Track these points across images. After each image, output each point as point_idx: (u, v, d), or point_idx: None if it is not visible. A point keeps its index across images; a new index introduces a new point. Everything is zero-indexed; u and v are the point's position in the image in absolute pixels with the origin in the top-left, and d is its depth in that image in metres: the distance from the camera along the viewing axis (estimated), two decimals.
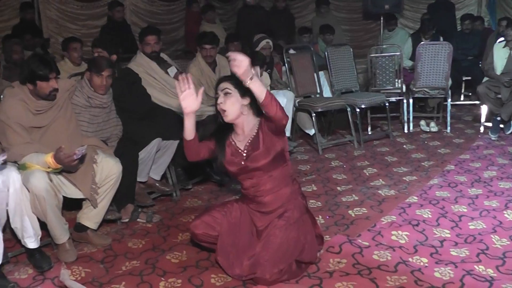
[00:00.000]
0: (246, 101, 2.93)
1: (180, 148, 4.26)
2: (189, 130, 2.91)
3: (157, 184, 4.28)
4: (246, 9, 8.32)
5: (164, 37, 8.09)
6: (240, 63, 2.63)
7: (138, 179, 4.01)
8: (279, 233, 2.94)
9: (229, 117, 2.94)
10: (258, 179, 2.99)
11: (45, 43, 6.78)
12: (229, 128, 3.06)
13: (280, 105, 2.75)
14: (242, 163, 2.98)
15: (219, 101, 2.93)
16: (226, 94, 2.91)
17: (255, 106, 2.96)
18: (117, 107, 3.92)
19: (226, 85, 2.92)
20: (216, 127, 3.10)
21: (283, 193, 3.01)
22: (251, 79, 2.65)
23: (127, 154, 3.76)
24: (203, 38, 4.87)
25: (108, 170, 3.46)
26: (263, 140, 2.94)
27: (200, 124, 4.36)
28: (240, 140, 3.04)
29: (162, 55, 4.69)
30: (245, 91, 2.87)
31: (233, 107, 2.91)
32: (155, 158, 4.14)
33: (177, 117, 4.31)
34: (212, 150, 3.07)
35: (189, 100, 2.81)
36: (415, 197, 4.19)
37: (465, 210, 3.91)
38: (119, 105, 3.94)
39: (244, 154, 3.00)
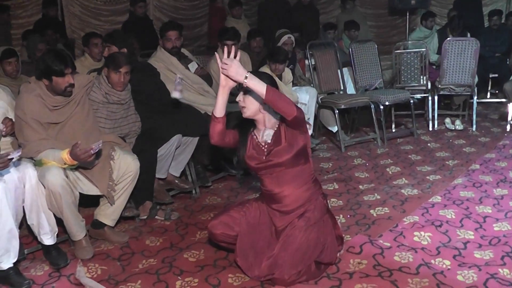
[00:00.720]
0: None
1: (200, 145, 4.25)
2: (221, 106, 2.84)
3: (176, 181, 4.25)
4: (268, 3, 8.23)
5: (188, 33, 8.11)
6: (229, 67, 2.60)
7: (157, 176, 3.99)
8: (299, 234, 2.88)
9: (247, 113, 2.90)
10: (278, 175, 2.93)
11: (70, 43, 6.81)
12: (251, 122, 3.01)
13: (286, 99, 2.67)
14: (264, 158, 2.93)
15: (238, 98, 2.90)
16: (245, 92, 2.86)
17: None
18: (134, 101, 3.88)
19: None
20: (239, 121, 3.06)
21: (303, 192, 2.95)
22: (246, 78, 2.60)
23: (146, 150, 3.74)
24: (225, 34, 4.84)
25: (125, 167, 3.43)
26: (285, 135, 2.89)
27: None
28: (262, 134, 2.99)
29: (183, 50, 4.66)
30: None
31: (251, 105, 2.87)
32: (175, 155, 4.10)
33: (197, 114, 4.29)
34: (237, 140, 3.03)
35: (232, 71, 2.63)
36: (439, 197, 4.09)
37: (490, 211, 3.80)
38: (136, 98, 3.90)
39: (265, 150, 2.95)
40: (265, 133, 2.96)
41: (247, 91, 2.83)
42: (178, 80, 3.54)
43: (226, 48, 2.73)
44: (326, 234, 2.99)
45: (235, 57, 2.68)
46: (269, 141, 2.94)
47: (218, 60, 2.69)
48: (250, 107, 2.88)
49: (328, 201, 3.19)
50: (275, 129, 2.94)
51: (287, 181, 2.94)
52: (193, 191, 4.35)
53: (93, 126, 3.49)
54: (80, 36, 7.31)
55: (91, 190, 3.37)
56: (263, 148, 2.96)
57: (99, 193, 3.38)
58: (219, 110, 2.85)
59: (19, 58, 4.52)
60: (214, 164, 4.71)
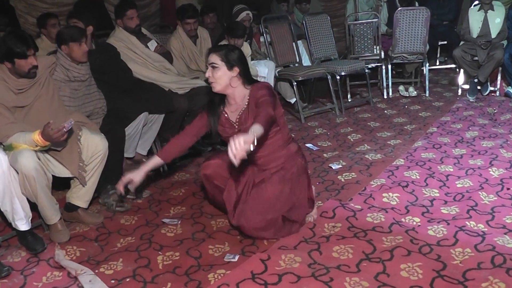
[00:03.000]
0: (235, 72, 2.91)
1: (165, 122, 4.25)
2: (159, 164, 3.18)
3: (144, 160, 4.23)
4: None
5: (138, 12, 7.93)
6: (240, 152, 2.32)
7: (125, 155, 3.98)
8: (270, 188, 2.98)
9: (217, 88, 2.93)
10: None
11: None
12: (222, 97, 3.04)
13: (263, 118, 2.62)
14: (236, 130, 2.98)
15: (207, 74, 2.93)
16: (213, 67, 2.89)
17: (245, 76, 2.94)
18: (97, 81, 3.81)
19: (213, 58, 2.90)
20: (209, 96, 3.08)
21: (279, 157, 3.04)
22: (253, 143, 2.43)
23: (114, 130, 3.70)
24: (185, 13, 4.79)
25: (94, 147, 3.40)
26: (252, 111, 2.92)
27: (186, 97, 4.39)
28: (233, 111, 3.03)
29: (142, 29, 4.61)
30: (232, 63, 2.87)
31: (220, 80, 2.90)
32: (141, 133, 4.08)
33: (162, 91, 4.28)
34: (206, 125, 3.08)
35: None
36: (402, 160, 4.24)
37: (452, 170, 3.97)
38: (99, 78, 3.84)
39: (236, 127, 3.00)
40: (232, 114, 3.03)
41: (215, 66, 2.87)
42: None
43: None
44: (299, 192, 3.10)
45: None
46: (236, 121, 3.00)
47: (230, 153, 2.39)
48: (219, 82, 2.91)
49: (306, 162, 3.24)
50: (245, 105, 2.96)
51: (261, 151, 3.00)
52: (161, 169, 4.34)
53: (59, 106, 3.43)
54: (27, 20, 7.10)
55: (63, 172, 3.32)
56: (234, 124, 3.01)
57: (70, 175, 3.35)
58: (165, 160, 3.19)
59: None
60: None
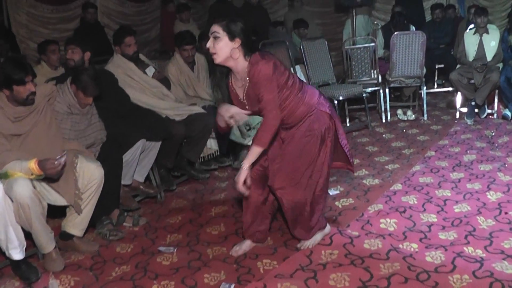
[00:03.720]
0: (237, 43, 2.86)
1: (162, 149, 4.25)
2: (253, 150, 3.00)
3: (141, 187, 4.24)
4: (217, 5, 8.25)
5: (137, 38, 8.00)
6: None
7: (123, 182, 3.97)
8: (290, 146, 3.07)
9: (217, 59, 2.89)
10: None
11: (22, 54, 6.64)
12: (228, 71, 3.03)
13: (267, 130, 2.86)
14: (247, 107, 3.00)
15: (208, 44, 2.89)
16: (215, 38, 2.85)
17: (245, 46, 2.89)
18: (97, 108, 3.84)
19: (215, 28, 2.86)
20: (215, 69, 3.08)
21: (298, 113, 3.02)
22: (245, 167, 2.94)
23: (111, 157, 3.71)
24: (183, 39, 4.82)
25: (89, 175, 3.39)
26: (254, 90, 2.90)
27: (183, 123, 4.40)
28: (239, 86, 3.01)
29: (140, 55, 4.64)
30: (234, 34, 2.84)
31: (221, 50, 2.85)
32: (139, 160, 4.08)
33: (159, 118, 4.29)
34: None
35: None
36: (400, 185, 4.22)
37: (449, 194, 3.96)
38: (98, 105, 3.86)
39: (245, 101, 3.00)
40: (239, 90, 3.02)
41: (216, 36, 2.84)
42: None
43: None
44: (320, 154, 3.08)
45: None
46: (244, 98, 2.99)
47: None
48: (220, 53, 2.86)
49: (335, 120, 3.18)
50: (247, 83, 2.93)
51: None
52: (159, 196, 4.34)
53: (56, 134, 3.44)
54: (29, 46, 7.17)
55: (58, 200, 3.32)
56: (243, 101, 3.01)
57: (66, 203, 3.34)
58: None
59: None
60: (178, 167, 4.71)
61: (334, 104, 5.87)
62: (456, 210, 3.67)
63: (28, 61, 3.58)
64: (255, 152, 2.91)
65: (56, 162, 2.95)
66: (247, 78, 2.91)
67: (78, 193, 3.33)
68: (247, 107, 3.00)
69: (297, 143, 3.04)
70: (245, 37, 2.87)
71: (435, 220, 3.54)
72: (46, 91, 3.45)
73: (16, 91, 3.17)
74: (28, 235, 3.15)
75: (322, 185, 3.16)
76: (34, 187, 3.09)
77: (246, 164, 2.93)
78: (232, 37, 2.84)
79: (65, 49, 4.21)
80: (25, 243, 3.15)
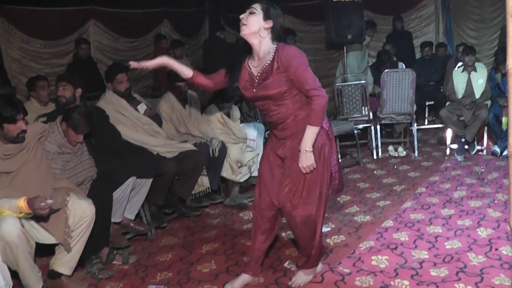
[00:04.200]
0: (268, 24, 2.93)
1: (153, 186, 4.24)
2: (180, 70, 3.09)
3: (131, 224, 4.20)
4: (211, 41, 8.33)
5: (129, 74, 8.04)
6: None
7: (113, 220, 3.93)
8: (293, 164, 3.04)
9: (245, 31, 2.94)
10: (269, 106, 3.01)
11: (12, 89, 6.67)
12: (248, 51, 3.05)
13: (319, 115, 2.88)
14: (254, 90, 2.99)
15: (242, 15, 2.95)
16: (251, 12, 2.93)
17: (275, 32, 2.95)
18: (87, 145, 3.85)
19: (255, 4, 2.95)
20: (234, 52, 3.12)
21: (299, 118, 3.00)
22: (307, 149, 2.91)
23: (101, 195, 3.69)
24: (176, 76, 4.84)
25: (81, 212, 3.37)
26: (277, 70, 2.91)
27: (174, 161, 4.40)
28: (255, 66, 3.02)
29: (132, 92, 4.66)
30: (269, 15, 2.91)
31: (252, 24, 2.92)
32: (129, 197, 4.07)
33: (150, 155, 4.29)
34: (224, 80, 3.16)
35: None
36: (391, 221, 4.23)
37: (440, 231, 3.97)
38: (89, 141, 3.88)
39: (256, 81, 2.99)
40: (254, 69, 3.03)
41: (253, 12, 2.92)
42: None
43: None
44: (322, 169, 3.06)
45: None
46: (257, 76, 2.99)
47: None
48: (249, 26, 2.92)
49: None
50: (269, 61, 2.94)
51: (278, 111, 2.99)
52: (149, 233, 4.30)
53: (46, 173, 3.43)
54: (21, 81, 7.20)
55: (47, 239, 3.29)
56: (255, 79, 3.00)
57: (55, 242, 3.31)
58: (184, 73, 3.12)
59: None
60: (169, 204, 4.69)
61: None
62: (447, 247, 3.66)
63: (19, 98, 3.59)
64: (312, 132, 2.90)
65: (42, 204, 2.94)
66: (270, 59, 2.93)
67: (68, 231, 3.30)
68: (254, 90, 2.99)
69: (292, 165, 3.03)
70: (277, 23, 2.94)
71: (427, 256, 3.53)
72: (37, 129, 3.45)
73: (7, 129, 3.18)
74: (15, 274, 3.11)
75: (325, 201, 3.17)
76: (23, 226, 3.06)
77: (309, 147, 2.90)
78: (266, 17, 2.92)
79: (56, 86, 4.23)
80: (11, 282, 3.09)
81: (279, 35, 2.97)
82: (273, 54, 2.93)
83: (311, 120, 2.87)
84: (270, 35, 2.94)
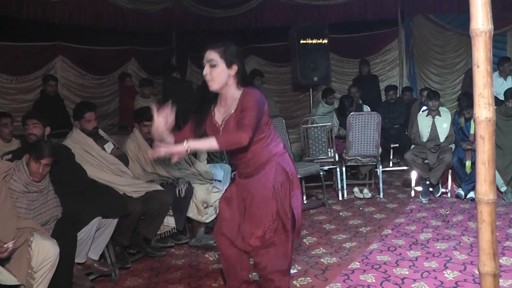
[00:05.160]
0: (233, 70, 2.87)
1: (119, 226, 4.17)
2: (204, 142, 2.88)
3: (95, 265, 4.11)
4: (171, 83, 8.33)
5: (96, 112, 7.99)
6: (166, 151, 2.74)
7: (76, 260, 3.85)
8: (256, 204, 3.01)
9: (214, 86, 2.87)
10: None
11: None
12: (214, 97, 3.00)
13: (231, 137, 2.79)
14: (220, 133, 2.94)
15: (204, 72, 2.86)
16: (212, 65, 2.84)
17: (240, 74, 2.90)
18: (53, 183, 3.78)
19: (211, 55, 2.85)
20: (202, 94, 3.03)
21: (262, 157, 2.97)
22: (187, 145, 2.72)
23: (65, 235, 3.61)
24: (143, 115, 4.83)
25: (44, 253, 3.30)
26: (237, 115, 2.86)
27: (140, 200, 4.35)
28: (221, 113, 2.98)
29: (99, 131, 4.63)
30: (231, 60, 2.84)
31: (219, 77, 2.85)
32: (94, 237, 3.98)
33: (116, 194, 4.24)
34: (192, 130, 3.05)
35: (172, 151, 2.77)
36: (357, 263, 4.23)
37: (407, 273, 3.99)
38: (55, 179, 3.81)
39: (221, 129, 2.95)
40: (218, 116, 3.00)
41: (214, 64, 2.83)
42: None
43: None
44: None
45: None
46: (222, 124, 2.95)
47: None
48: (217, 80, 2.85)
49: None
50: (233, 109, 2.90)
51: (245, 153, 2.95)
52: (113, 274, 4.21)
53: (10, 212, 3.36)
54: None
55: (9, 279, 3.20)
56: (219, 127, 2.96)
57: (17, 283, 3.21)
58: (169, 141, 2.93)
59: None
60: (134, 244, 4.60)
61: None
62: None
63: None
64: (207, 144, 2.86)
65: (2, 248, 2.87)
66: (235, 107, 2.89)
67: (30, 272, 3.23)
68: (220, 132, 2.95)
69: (259, 201, 3.00)
70: (241, 63, 2.90)
71: None
72: (2, 168, 3.41)
73: None
74: None
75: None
76: None
77: (190, 144, 2.74)
78: (229, 64, 2.85)
79: (24, 123, 4.17)
80: None
81: (244, 76, 2.94)
82: (237, 101, 2.90)
83: (219, 138, 2.79)
84: (236, 79, 2.90)
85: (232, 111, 2.90)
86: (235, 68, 2.87)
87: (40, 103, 6.88)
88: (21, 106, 7.43)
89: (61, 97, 7.47)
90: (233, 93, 2.92)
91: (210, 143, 2.79)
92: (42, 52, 7.94)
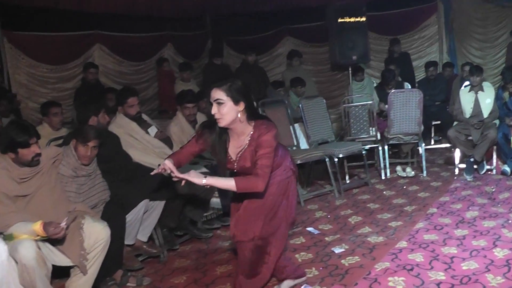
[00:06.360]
0: (241, 106, 2.89)
1: (165, 208, 4.22)
2: (223, 180, 2.92)
3: (144, 246, 4.18)
4: (211, 66, 8.37)
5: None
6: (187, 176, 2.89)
7: (126, 242, 3.92)
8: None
9: (223, 123, 2.90)
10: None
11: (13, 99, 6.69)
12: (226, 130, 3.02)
13: (251, 182, 2.85)
14: (235, 166, 3.01)
15: (212, 111, 2.89)
16: (219, 104, 2.87)
17: (250, 110, 2.93)
18: (101, 170, 3.85)
19: (217, 94, 2.87)
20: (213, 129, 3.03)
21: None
22: (206, 181, 2.84)
23: (114, 218, 3.68)
24: (185, 98, 4.89)
25: (96, 235, 3.37)
26: (251, 155, 2.92)
27: (186, 183, 4.37)
28: (235, 147, 3.02)
29: (142, 115, 4.68)
30: (238, 97, 2.86)
31: (227, 115, 2.87)
32: (142, 220, 4.05)
33: (162, 177, 4.27)
34: (208, 144, 3.09)
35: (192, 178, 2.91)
36: (404, 242, 4.19)
37: (456, 252, 3.93)
38: (103, 168, 3.88)
39: (235, 165, 3.00)
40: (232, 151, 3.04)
41: (220, 102, 2.85)
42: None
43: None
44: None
45: None
46: (236, 159, 3.00)
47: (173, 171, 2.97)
48: (226, 118, 2.88)
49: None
50: (245, 146, 2.95)
51: None
52: (161, 255, 4.27)
53: (61, 196, 3.44)
54: (28, 105, 7.23)
55: (63, 261, 3.28)
56: (233, 162, 3.01)
57: (71, 264, 3.29)
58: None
59: None
60: (181, 227, 4.66)
61: (334, 161, 5.89)
62: (464, 268, 3.62)
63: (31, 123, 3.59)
64: (225, 184, 2.88)
65: (58, 229, 2.95)
66: (247, 142, 2.94)
67: (83, 254, 3.29)
68: (235, 166, 3.01)
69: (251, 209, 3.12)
70: (248, 99, 2.90)
71: (444, 278, 3.48)
72: (51, 153, 3.47)
73: (21, 153, 3.20)
74: None
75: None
76: (39, 249, 3.07)
77: (209, 180, 2.86)
78: (236, 101, 2.87)
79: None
80: None
81: (253, 110, 2.96)
82: (249, 137, 2.94)
83: (238, 181, 2.84)
84: (245, 114, 2.92)
85: (246, 146, 2.95)
86: (242, 104, 2.89)
87: (82, 91, 6.98)
88: (61, 94, 7.59)
89: (102, 84, 7.55)
90: (244, 128, 2.96)
91: (228, 184, 2.85)
92: (80, 41, 8.07)
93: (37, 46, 7.55)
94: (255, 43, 9.40)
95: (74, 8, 7.60)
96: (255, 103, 6.06)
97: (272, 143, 2.88)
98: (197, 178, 2.83)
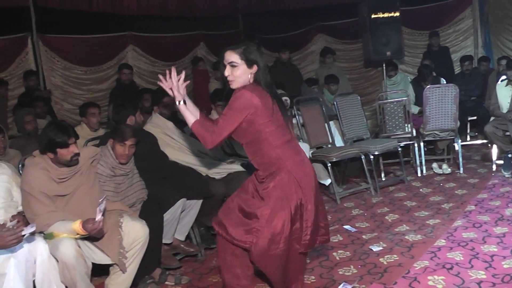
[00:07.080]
0: (254, 69, 2.90)
1: (202, 207, 4.25)
2: (189, 115, 2.93)
3: (182, 245, 4.22)
4: None
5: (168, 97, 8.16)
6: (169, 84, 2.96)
7: (164, 241, 3.96)
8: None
9: (235, 85, 2.91)
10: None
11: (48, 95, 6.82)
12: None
13: (203, 132, 2.86)
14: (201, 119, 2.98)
15: (226, 73, 2.91)
16: (233, 66, 2.88)
17: (261, 72, 2.92)
18: (138, 170, 3.90)
19: (232, 57, 2.88)
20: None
21: (270, 163, 2.96)
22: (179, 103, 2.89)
23: (152, 216, 3.72)
24: (217, 96, 4.93)
25: (134, 233, 3.41)
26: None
27: (223, 182, 4.40)
28: None
29: (178, 114, 4.71)
30: (252, 61, 2.87)
31: (240, 78, 2.89)
32: (180, 219, 4.09)
33: (199, 176, 4.32)
34: None
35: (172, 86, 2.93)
36: (443, 240, 4.14)
37: (496, 250, 3.85)
38: (140, 167, 3.93)
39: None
40: None
41: (234, 65, 2.87)
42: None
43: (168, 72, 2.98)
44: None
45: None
46: None
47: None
48: (239, 80, 2.89)
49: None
50: None
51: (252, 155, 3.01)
52: (199, 254, 4.30)
53: (99, 195, 3.47)
54: (63, 107, 7.38)
55: (103, 259, 3.33)
56: None
57: (111, 262, 3.34)
58: (192, 117, 2.93)
59: (6, 134, 4.41)
60: None
61: (370, 158, 5.85)
62: (505, 266, 3.55)
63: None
64: (188, 118, 2.90)
65: (96, 223, 3.02)
66: None
67: (123, 252, 3.34)
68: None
69: (272, 205, 2.93)
70: (262, 63, 2.90)
71: (484, 276, 3.43)
72: (89, 153, 3.53)
73: (60, 154, 3.27)
74: None
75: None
76: (79, 247, 3.12)
77: (182, 107, 2.91)
78: (250, 64, 2.88)
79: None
80: None
81: (265, 75, 2.93)
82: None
83: (196, 123, 2.88)
84: (255, 77, 2.91)
85: None
86: (255, 67, 2.89)
87: (117, 91, 7.08)
88: (96, 96, 7.73)
89: (136, 85, 7.64)
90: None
91: (190, 119, 2.89)
92: (113, 43, 8.21)
93: (71, 49, 7.73)
94: (288, 41, 9.36)
95: (107, 10, 7.76)
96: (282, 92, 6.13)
97: (234, 103, 2.82)
98: (179, 96, 2.92)
